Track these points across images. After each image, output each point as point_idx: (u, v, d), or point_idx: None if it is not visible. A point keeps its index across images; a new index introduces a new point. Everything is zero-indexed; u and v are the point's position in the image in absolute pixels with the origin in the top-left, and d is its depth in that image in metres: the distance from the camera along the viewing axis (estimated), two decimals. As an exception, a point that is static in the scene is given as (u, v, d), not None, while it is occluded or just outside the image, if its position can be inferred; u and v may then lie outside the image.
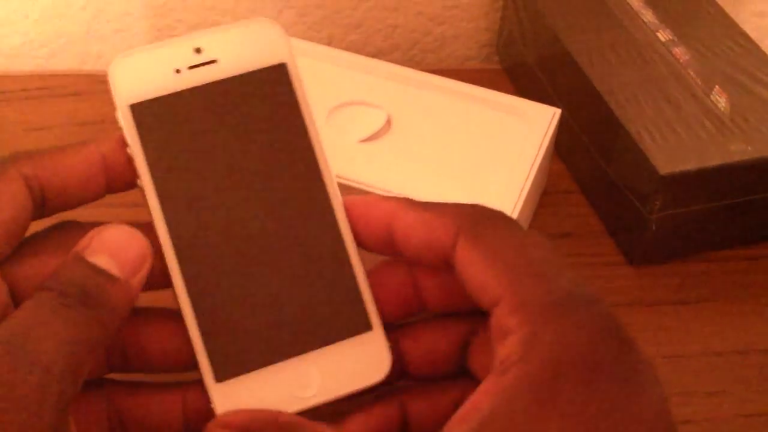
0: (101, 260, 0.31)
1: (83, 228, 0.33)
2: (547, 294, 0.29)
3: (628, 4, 0.54)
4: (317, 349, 0.33)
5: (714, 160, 0.45)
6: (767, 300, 0.47)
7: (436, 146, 0.46)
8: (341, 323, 0.33)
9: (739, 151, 0.46)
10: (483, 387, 0.28)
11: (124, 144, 0.33)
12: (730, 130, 0.47)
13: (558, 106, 0.48)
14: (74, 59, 0.62)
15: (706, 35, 0.53)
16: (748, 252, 0.49)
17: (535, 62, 0.55)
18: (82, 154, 0.33)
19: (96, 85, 0.56)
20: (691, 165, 0.45)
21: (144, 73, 0.33)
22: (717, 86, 0.49)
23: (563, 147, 0.52)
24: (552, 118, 0.47)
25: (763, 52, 0.51)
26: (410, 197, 0.33)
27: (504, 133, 0.47)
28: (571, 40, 0.52)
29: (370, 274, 0.34)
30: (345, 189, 0.43)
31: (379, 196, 0.34)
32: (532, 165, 0.45)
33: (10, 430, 0.26)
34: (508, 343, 0.28)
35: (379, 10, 0.62)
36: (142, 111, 0.33)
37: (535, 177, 0.45)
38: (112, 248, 0.31)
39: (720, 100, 0.48)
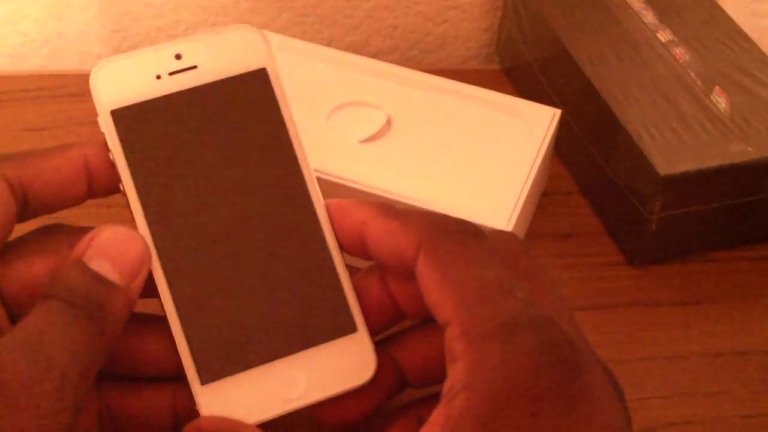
0: (102, 267, 0.31)
1: (69, 231, 0.33)
2: (492, 318, 0.28)
3: (628, 4, 0.54)
4: (302, 350, 0.33)
5: (714, 160, 0.45)
6: (767, 300, 0.47)
7: (436, 147, 0.46)
8: (326, 325, 0.33)
9: (739, 151, 0.45)
10: (432, 417, 0.28)
11: (106, 148, 0.33)
12: (730, 131, 0.47)
13: (558, 107, 0.48)
14: (74, 59, 0.62)
15: (706, 35, 0.53)
16: (748, 252, 0.49)
17: (535, 62, 0.55)
18: (65, 157, 0.33)
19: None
20: (691, 166, 0.45)
21: (125, 79, 0.33)
22: (717, 86, 0.49)
23: (563, 148, 0.52)
24: (552, 119, 0.47)
25: (763, 52, 0.51)
26: (386, 202, 0.34)
27: (504, 134, 0.47)
28: (571, 40, 0.52)
29: None
30: (345, 189, 0.43)
31: (354, 201, 0.34)
32: (532, 166, 0.45)
33: (29, 427, 0.27)
34: (455, 370, 0.28)
35: (379, 10, 0.62)
36: (123, 117, 0.33)
37: (535, 178, 0.45)
38: (112, 253, 0.31)
39: (720, 100, 0.48)
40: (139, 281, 0.32)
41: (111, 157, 0.33)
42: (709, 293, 0.47)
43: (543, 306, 0.29)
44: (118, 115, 0.33)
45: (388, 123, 0.47)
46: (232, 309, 0.33)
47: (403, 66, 0.50)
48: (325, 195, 0.35)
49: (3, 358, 0.28)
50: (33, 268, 0.32)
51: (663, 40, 0.52)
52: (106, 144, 0.33)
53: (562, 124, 0.48)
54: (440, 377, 0.34)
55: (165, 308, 0.32)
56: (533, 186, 0.45)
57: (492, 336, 0.28)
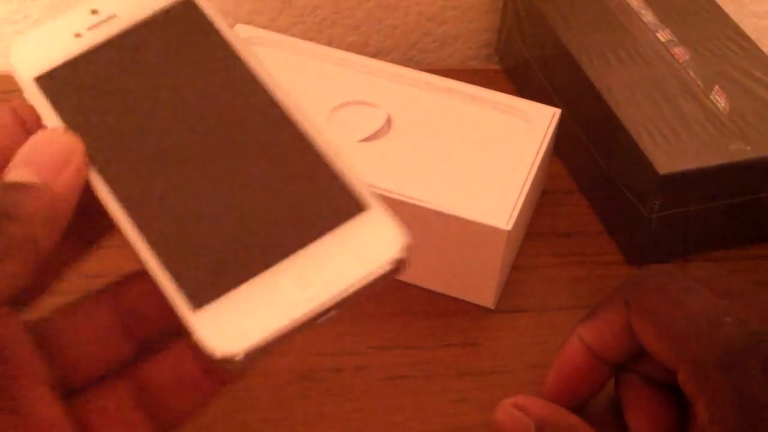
0: (18, 173, 0.28)
1: None
2: (710, 353, 0.30)
3: (627, 4, 0.54)
4: (304, 247, 0.29)
5: (713, 160, 0.45)
6: (767, 300, 0.47)
7: (436, 146, 0.46)
8: (325, 214, 0.30)
9: (738, 151, 0.46)
10: None
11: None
12: (730, 130, 0.47)
13: (558, 106, 0.48)
14: (74, 59, 0.62)
15: (706, 35, 0.53)
16: (748, 252, 0.49)
17: (535, 62, 0.56)
18: None
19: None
20: (690, 165, 0.45)
21: (43, 47, 0.31)
22: (717, 86, 0.49)
23: (563, 147, 0.52)
24: (552, 118, 0.47)
25: (763, 52, 0.52)
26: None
27: (504, 133, 0.47)
28: (571, 40, 0.52)
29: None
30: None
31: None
32: (532, 165, 0.45)
33: None
34: (697, 412, 0.30)
35: (379, 10, 0.62)
36: (49, 81, 0.31)
37: (535, 177, 0.45)
38: (28, 155, 0.29)
39: (720, 100, 0.48)
40: (67, 177, 0.29)
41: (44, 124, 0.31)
42: (708, 293, 0.47)
43: (751, 320, 0.31)
44: (43, 81, 0.31)
45: (388, 123, 0.47)
46: (212, 220, 0.29)
47: (404, 66, 0.50)
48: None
49: None
50: None
51: (663, 40, 0.52)
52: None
53: (562, 123, 0.48)
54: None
55: (128, 237, 0.29)
56: (533, 185, 0.45)
57: (716, 369, 0.30)
